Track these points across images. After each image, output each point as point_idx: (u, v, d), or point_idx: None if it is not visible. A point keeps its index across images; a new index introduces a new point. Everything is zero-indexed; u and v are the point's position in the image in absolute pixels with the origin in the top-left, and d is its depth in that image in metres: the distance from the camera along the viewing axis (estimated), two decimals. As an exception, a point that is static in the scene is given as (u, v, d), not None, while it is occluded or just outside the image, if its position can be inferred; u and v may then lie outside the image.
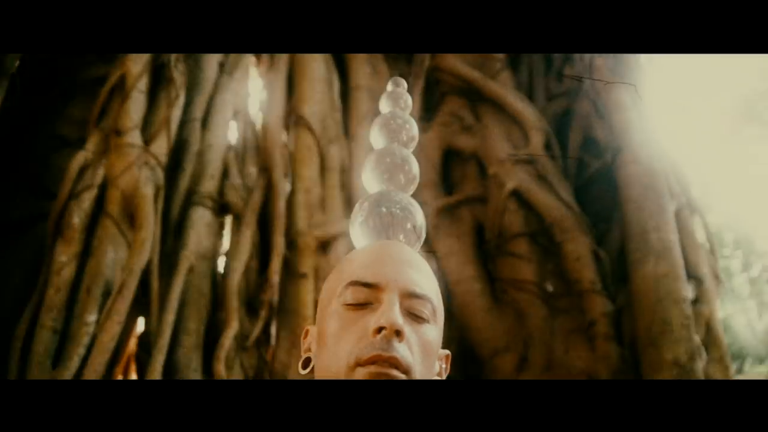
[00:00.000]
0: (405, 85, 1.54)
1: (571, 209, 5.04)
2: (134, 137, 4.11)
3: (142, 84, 4.31)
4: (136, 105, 4.22)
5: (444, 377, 1.06)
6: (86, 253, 3.73)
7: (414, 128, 1.42)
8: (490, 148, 5.50)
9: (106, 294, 3.59)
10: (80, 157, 3.91)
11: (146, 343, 3.93)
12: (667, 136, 5.54)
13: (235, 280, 4.24)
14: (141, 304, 3.87)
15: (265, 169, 4.99)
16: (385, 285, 0.96)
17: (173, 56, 4.44)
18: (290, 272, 4.62)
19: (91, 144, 4.07)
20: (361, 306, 0.97)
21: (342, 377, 0.92)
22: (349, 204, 5.23)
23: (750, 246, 9.82)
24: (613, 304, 4.75)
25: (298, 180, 5.04)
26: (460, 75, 5.71)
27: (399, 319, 0.91)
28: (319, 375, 1.00)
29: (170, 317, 3.77)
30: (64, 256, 3.62)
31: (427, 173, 5.58)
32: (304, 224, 4.84)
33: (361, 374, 0.90)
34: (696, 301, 4.86)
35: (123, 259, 3.78)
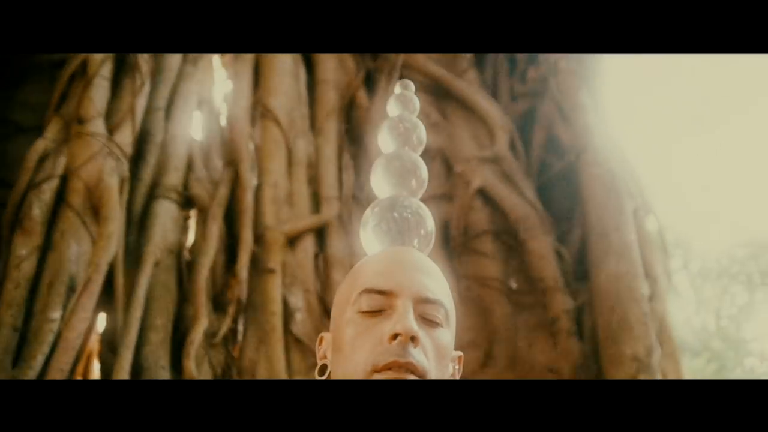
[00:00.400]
0: (413, 88, 1.52)
1: (535, 208, 5.11)
2: (98, 126, 3.92)
3: (106, 70, 4.11)
4: (99, 92, 4.02)
5: (458, 377, 1.08)
6: (47, 247, 3.53)
7: (423, 132, 1.44)
8: (455, 146, 5.51)
9: (70, 290, 3.41)
10: (40, 146, 3.70)
11: (109, 340, 3.76)
12: (625, 138, 5.68)
13: (203, 275, 4.10)
14: (102, 300, 3.70)
15: (231, 162, 4.85)
16: (399, 292, 0.99)
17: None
18: (258, 268, 4.50)
19: (51, 132, 3.86)
20: (376, 313, 0.99)
21: None
22: (315, 199, 5.15)
23: (688, 246, 10.22)
24: (574, 302, 4.84)
25: (265, 174, 4.92)
26: (428, 72, 5.70)
27: (414, 325, 0.94)
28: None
29: (137, 313, 3.62)
30: (24, 250, 3.41)
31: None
32: (271, 219, 4.73)
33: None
34: (650, 299, 5.00)
35: (86, 253, 3.60)
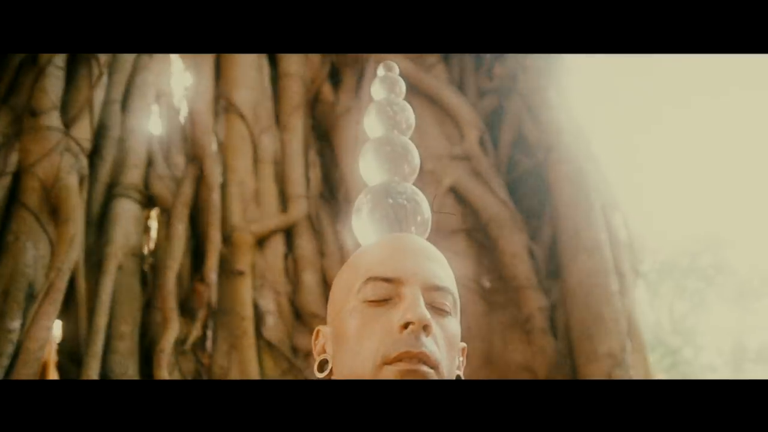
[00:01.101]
0: (397, 69, 1.45)
1: (506, 206, 5.10)
2: (53, 119, 3.66)
3: (59, 59, 3.84)
4: (52, 82, 3.75)
5: (462, 369, 1.05)
6: (1, 250, 3.26)
7: (411, 115, 1.36)
8: (425, 143, 5.43)
9: (29, 297, 3.16)
10: (-12, 140, 3.43)
11: (69, 350, 3.52)
12: (591, 135, 5.73)
13: (170, 278, 3.90)
14: (63, 306, 3.46)
15: (195, 159, 4.64)
16: (406, 279, 0.94)
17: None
18: (226, 270, 4.32)
19: (0, 125, 3.58)
20: (383, 302, 0.94)
21: (368, 377, 0.90)
22: (283, 197, 4.99)
23: (641, 242, 10.49)
24: (547, 299, 4.85)
25: (230, 171, 4.73)
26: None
27: (426, 314, 0.89)
28: (341, 376, 0.96)
29: (102, 321, 3.40)
30: (-24, 254, 3.15)
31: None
32: (239, 219, 4.55)
33: (389, 372, 0.88)
34: (619, 295, 5.06)
35: (44, 256, 3.35)
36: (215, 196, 4.41)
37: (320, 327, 1.06)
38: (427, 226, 1.16)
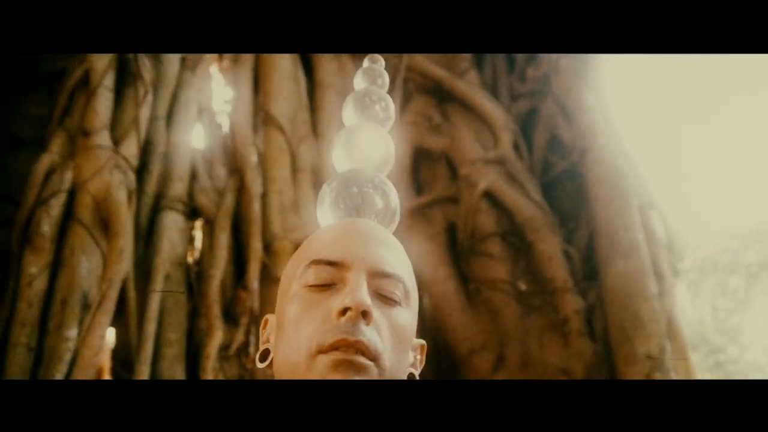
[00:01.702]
0: (382, 62, 1.46)
1: (541, 209, 5.13)
2: (103, 138, 3.87)
3: (109, 80, 4.05)
4: (103, 103, 3.97)
5: (419, 369, 0.97)
6: (58, 264, 3.48)
7: (391, 106, 1.33)
8: (459, 148, 5.51)
9: (84, 307, 3.36)
10: (46, 160, 3.65)
11: (121, 357, 3.72)
12: (627, 135, 5.71)
13: (215, 286, 4.07)
14: (115, 315, 3.65)
15: (236, 171, 4.81)
16: (351, 263, 0.88)
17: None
18: (267, 277, 4.47)
19: (56, 145, 3.81)
20: (325, 287, 0.88)
21: (302, 367, 0.83)
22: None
23: (684, 239, 10.30)
24: (584, 302, 4.86)
25: (270, 182, 4.88)
26: (428, 74, 5.70)
27: (366, 299, 0.83)
28: (278, 367, 0.90)
29: (151, 328, 3.58)
30: (35, 267, 3.36)
31: (397, 173, 5.52)
32: (279, 227, 4.70)
33: (323, 362, 0.81)
34: (659, 296, 5.04)
35: (97, 268, 3.55)
36: (256, 207, 4.57)
37: (268, 316, 0.99)
38: (393, 216, 1.10)
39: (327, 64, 5.74)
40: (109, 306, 3.32)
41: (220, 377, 3.84)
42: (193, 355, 3.87)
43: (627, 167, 5.27)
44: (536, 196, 5.21)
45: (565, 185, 5.63)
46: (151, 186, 4.37)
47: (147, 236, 4.19)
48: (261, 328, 0.99)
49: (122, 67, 4.23)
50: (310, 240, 0.98)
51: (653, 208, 5.55)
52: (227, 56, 5.46)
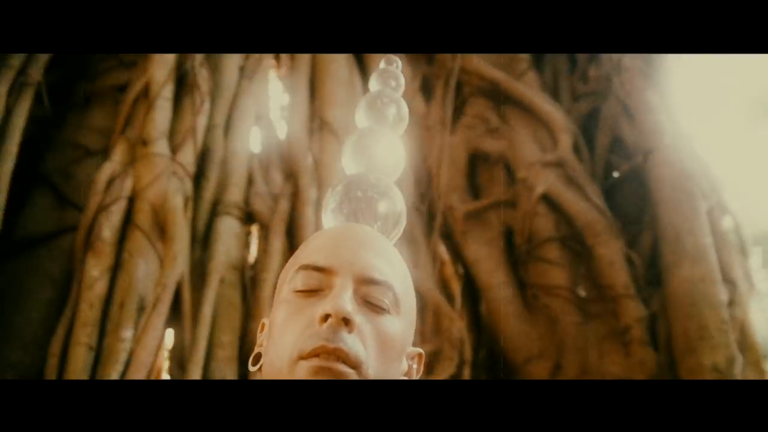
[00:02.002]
0: (399, 64, 1.45)
1: (601, 213, 4.99)
2: (161, 147, 4.06)
3: (167, 91, 4.26)
4: (161, 113, 4.17)
5: (415, 377, 0.97)
6: (117, 267, 3.68)
7: (403, 109, 1.33)
8: (517, 151, 5.44)
9: (140, 309, 3.54)
10: (107, 169, 3.87)
11: (178, 356, 3.88)
12: (696, 136, 5.48)
13: (268, 290, 4.18)
14: (170, 317, 3.82)
15: (291, 176, 4.93)
16: (338, 269, 0.88)
17: (197, 61, 4.38)
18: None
19: (118, 154, 4.03)
20: (312, 292, 0.88)
21: (284, 372, 0.83)
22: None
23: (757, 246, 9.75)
24: (647, 309, 4.70)
25: (324, 187, 4.97)
26: (484, 76, 5.66)
27: (347, 306, 0.83)
28: (265, 371, 0.90)
29: (204, 330, 3.72)
30: (96, 271, 3.57)
31: (453, 177, 5.53)
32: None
33: (303, 368, 0.81)
34: (730, 305, 4.81)
35: (154, 272, 3.73)
36: (309, 212, 4.67)
37: (264, 319, 0.99)
38: (397, 222, 1.11)
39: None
40: (163, 308, 3.47)
41: (272, 379, 3.94)
42: (246, 357, 3.99)
43: (695, 169, 5.06)
44: (597, 199, 5.07)
45: (628, 188, 5.46)
46: (208, 192, 4.53)
47: (204, 241, 4.36)
48: (258, 331, 1.00)
49: (181, 78, 4.42)
50: (304, 245, 0.99)
51: (725, 212, 5.31)
52: (284, 63, 5.62)
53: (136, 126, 4.13)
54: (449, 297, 5.64)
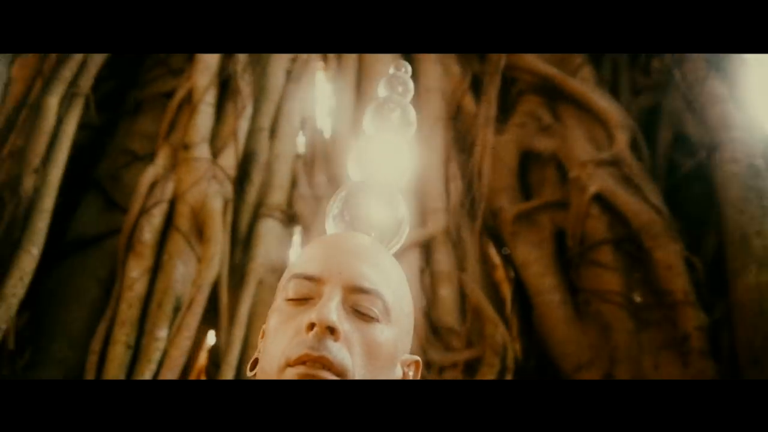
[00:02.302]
0: (409, 69, 1.45)
1: (660, 213, 4.74)
2: (202, 151, 4.19)
3: (210, 96, 4.39)
4: (203, 118, 4.31)
5: None
6: (157, 268, 3.82)
7: (410, 115, 1.34)
8: (570, 149, 5.27)
9: (177, 309, 3.66)
10: (150, 172, 4.03)
11: (215, 357, 3.99)
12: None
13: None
14: (212, 318, 3.93)
15: (335, 178, 4.97)
16: (328, 278, 0.89)
17: (240, 67, 4.49)
18: (360, 284, 4.57)
19: (161, 158, 4.19)
20: (303, 301, 0.90)
21: (274, 378, 0.85)
22: (421, 212, 5.15)
23: None
24: (708, 317, 4.43)
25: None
26: (537, 72, 5.52)
27: (332, 315, 0.84)
28: (258, 376, 0.92)
29: (239, 331, 3.81)
30: (136, 272, 3.72)
31: (503, 177, 5.42)
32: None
33: (289, 376, 0.83)
34: (804, 313, 4.47)
35: (192, 273, 3.85)
36: (350, 213, 4.68)
37: (264, 326, 1.01)
38: (398, 229, 1.12)
39: (431, 68, 5.76)
40: (197, 309, 3.58)
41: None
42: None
43: (765, 165, 4.74)
44: (654, 199, 4.83)
45: (692, 187, 5.17)
46: (251, 195, 4.64)
47: (245, 243, 4.46)
48: (260, 337, 1.02)
49: (224, 83, 4.55)
50: (300, 254, 1.01)
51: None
52: (331, 65, 5.67)
53: (179, 131, 4.28)
54: (500, 301, 5.53)
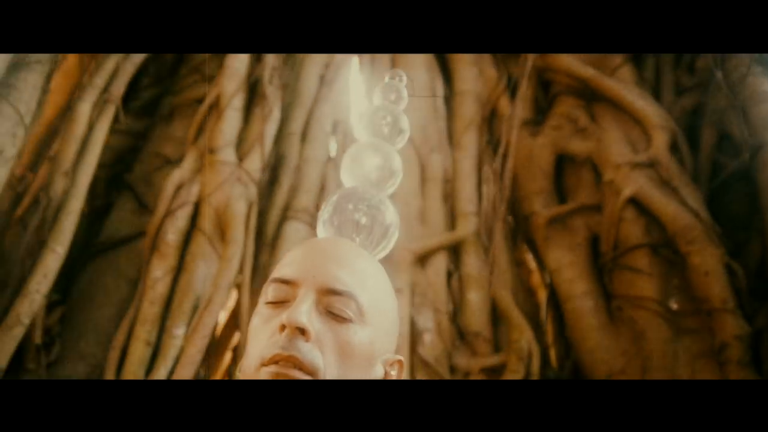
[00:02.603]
0: (404, 77, 1.51)
1: (698, 217, 4.57)
2: (228, 154, 4.32)
3: (237, 101, 4.52)
4: (230, 123, 4.44)
5: None
6: (180, 269, 3.96)
7: (401, 122, 1.43)
8: (606, 151, 5.14)
9: (196, 308, 3.78)
10: (176, 175, 4.18)
11: (238, 357, 4.09)
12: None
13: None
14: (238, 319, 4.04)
15: (363, 182, 5.02)
16: (303, 281, 0.94)
17: (267, 72, 4.61)
18: (384, 286, 4.60)
19: (188, 162, 4.34)
20: (279, 303, 0.95)
21: (252, 378, 0.91)
22: (451, 216, 5.14)
23: None
24: (749, 326, 4.23)
25: (395, 192, 5.01)
26: (573, 73, 5.42)
27: (302, 317, 0.88)
28: (240, 377, 0.97)
29: (258, 332, 3.88)
30: (159, 271, 3.87)
31: (536, 181, 5.35)
32: (401, 238, 4.79)
33: (264, 375, 0.88)
34: None
35: (213, 274, 3.96)
36: (376, 217, 4.72)
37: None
38: (385, 234, 1.18)
39: (466, 71, 5.75)
40: (216, 308, 3.68)
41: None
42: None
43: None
44: (693, 202, 4.65)
45: (738, 189, 4.96)
46: (280, 198, 4.73)
47: (272, 245, 4.55)
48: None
49: (252, 89, 4.68)
50: (282, 258, 1.07)
51: None
52: (364, 69, 5.74)
53: (206, 136, 4.42)
54: (535, 307, 5.44)
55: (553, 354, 5.22)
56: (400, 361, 1.03)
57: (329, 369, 0.89)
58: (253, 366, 0.91)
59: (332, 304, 0.93)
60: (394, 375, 1.01)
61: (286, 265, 0.99)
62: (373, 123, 1.40)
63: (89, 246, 4.25)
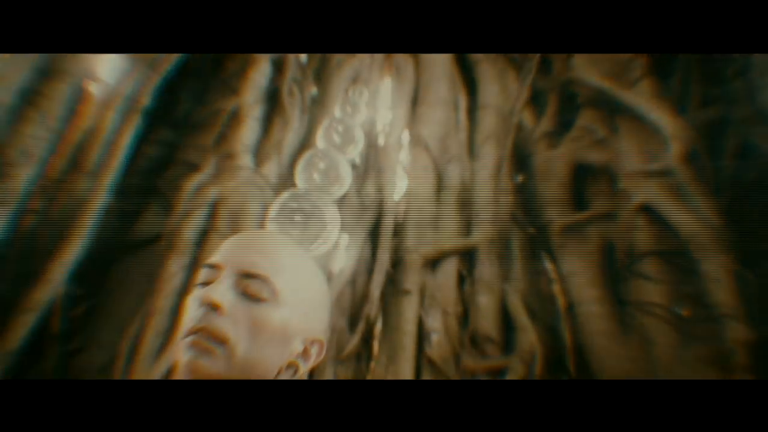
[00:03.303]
0: (365, 94, 1.70)
1: (710, 225, 4.58)
2: (245, 160, 4.69)
3: (257, 111, 4.90)
4: (249, 131, 4.82)
5: (311, 362, 1.14)
6: (194, 264, 4.31)
7: (353, 133, 1.61)
8: (623, 161, 5.22)
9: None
10: (195, 178, 4.57)
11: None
12: None
13: (346, 295, 4.56)
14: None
15: (380, 188, 5.29)
16: (224, 265, 1.10)
17: (286, 84, 4.98)
18: (395, 289, 4.83)
19: (207, 167, 4.73)
20: (206, 285, 1.10)
21: (180, 348, 1.04)
22: (467, 223, 5.33)
23: None
24: (758, 333, 4.19)
25: (410, 198, 5.26)
26: (591, 86, 5.54)
27: (215, 294, 1.04)
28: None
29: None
30: (175, 266, 4.23)
31: (553, 190, 5.46)
32: (413, 242, 5.03)
33: (182, 345, 1.03)
34: None
35: (225, 271, 4.29)
36: (388, 221, 4.98)
37: None
38: (322, 231, 1.36)
39: (489, 86, 5.97)
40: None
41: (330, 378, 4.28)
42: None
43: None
44: (707, 210, 4.67)
45: (760, 198, 4.92)
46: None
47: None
48: None
49: (272, 97, 5.07)
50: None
51: None
52: (389, 77, 6.05)
53: (226, 143, 4.82)
54: (554, 314, 5.51)
55: (572, 360, 5.27)
56: (321, 341, 1.16)
57: (241, 341, 1.02)
58: (179, 340, 1.04)
59: (248, 286, 1.07)
60: (314, 353, 1.14)
61: (216, 253, 1.14)
62: (327, 133, 1.59)
63: (118, 245, 4.69)
